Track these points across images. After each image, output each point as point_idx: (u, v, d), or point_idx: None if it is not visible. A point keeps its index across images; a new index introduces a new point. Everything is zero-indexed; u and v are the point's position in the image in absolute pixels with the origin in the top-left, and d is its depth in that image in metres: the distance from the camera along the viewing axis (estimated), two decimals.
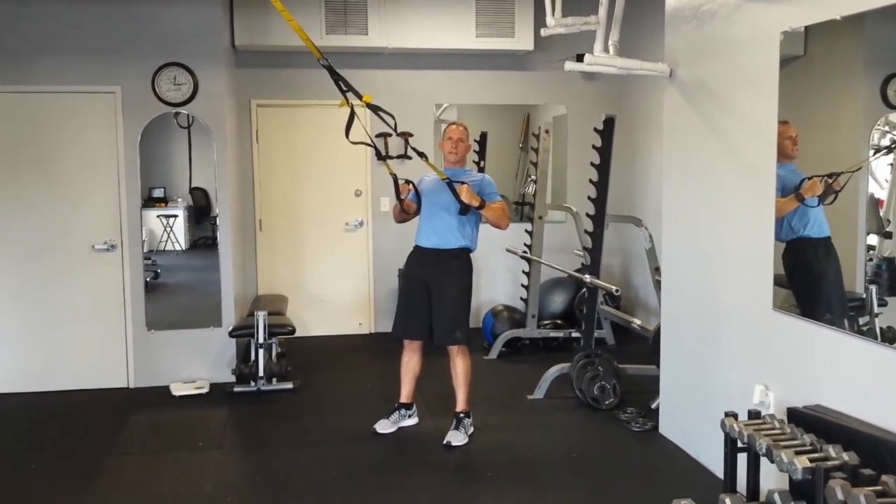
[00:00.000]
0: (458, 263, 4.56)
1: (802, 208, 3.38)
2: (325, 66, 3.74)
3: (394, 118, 3.97)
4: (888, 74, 2.95)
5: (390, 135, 6.94)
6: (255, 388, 5.42)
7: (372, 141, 4.23)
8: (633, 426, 4.70)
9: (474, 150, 7.28)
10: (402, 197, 4.53)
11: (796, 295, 3.50)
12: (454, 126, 4.69)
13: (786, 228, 3.47)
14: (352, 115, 3.92)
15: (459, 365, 4.57)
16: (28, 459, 4.35)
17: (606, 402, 5.00)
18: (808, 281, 3.54)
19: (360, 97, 3.86)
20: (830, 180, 3.21)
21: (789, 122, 3.41)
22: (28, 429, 4.90)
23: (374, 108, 3.95)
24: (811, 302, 3.43)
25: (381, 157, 4.49)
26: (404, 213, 4.67)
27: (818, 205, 3.31)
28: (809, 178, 3.32)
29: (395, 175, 4.45)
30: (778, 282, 3.51)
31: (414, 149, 4.34)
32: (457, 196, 4.31)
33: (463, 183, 4.36)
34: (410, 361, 4.70)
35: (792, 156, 3.43)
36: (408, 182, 4.53)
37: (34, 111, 5.41)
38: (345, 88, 3.83)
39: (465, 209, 4.38)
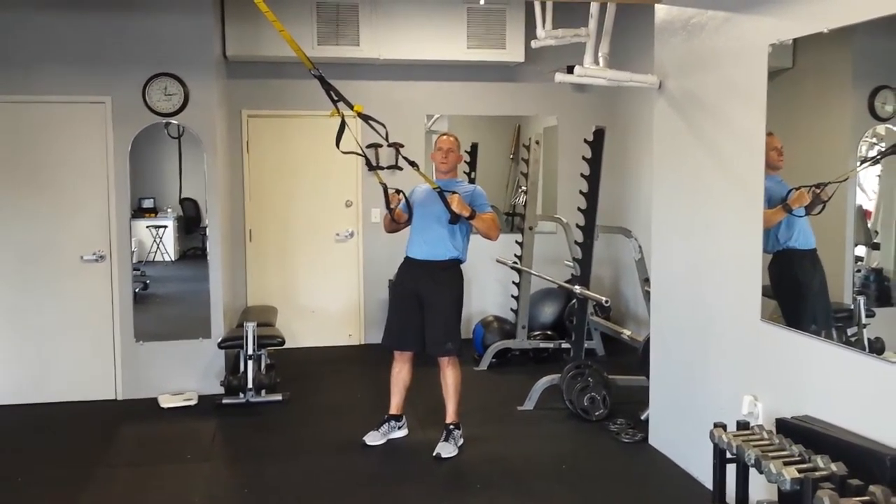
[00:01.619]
0: (449, 275, 4.56)
1: (788, 219, 3.40)
2: (317, 77, 3.75)
3: (385, 128, 3.98)
4: (875, 87, 2.97)
5: (381, 145, 6.95)
6: (243, 400, 5.39)
7: (362, 150, 4.23)
8: (623, 437, 4.69)
9: (465, 161, 7.30)
10: (392, 206, 4.53)
11: (782, 306, 3.51)
12: (445, 137, 4.71)
13: (772, 240, 3.48)
14: (342, 124, 3.93)
15: (450, 376, 4.56)
16: (15, 472, 4.31)
17: (596, 413, 4.99)
18: (794, 292, 3.55)
19: (351, 107, 3.87)
20: (818, 190, 3.23)
21: (774, 134, 3.44)
22: (15, 441, 4.86)
23: (366, 118, 3.96)
24: (797, 313, 3.44)
25: (372, 166, 4.49)
26: (395, 223, 4.67)
27: (805, 215, 3.33)
28: (797, 189, 3.34)
29: (385, 184, 4.45)
30: (764, 293, 3.53)
31: (405, 158, 4.35)
32: (447, 206, 4.32)
33: (454, 193, 4.37)
34: (401, 373, 4.69)
35: (777, 167, 3.46)
36: (398, 191, 4.54)
37: (23, 120, 5.39)
38: (336, 98, 3.84)
39: (455, 219, 4.39)
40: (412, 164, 4.30)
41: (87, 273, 5.51)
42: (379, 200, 4.49)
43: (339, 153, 4.03)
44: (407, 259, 4.65)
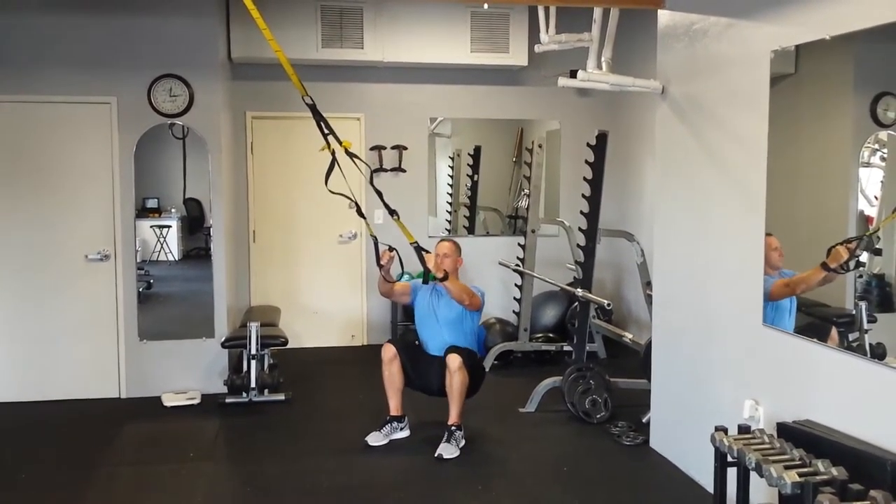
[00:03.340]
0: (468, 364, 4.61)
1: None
2: (309, 105, 3.67)
3: (369, 168, 3.93)
4: (878, 93, 2.99)
5: (385, 147, 6.98)
6: (246, 400, 5.41)
7: (352, 195, 4.00)
8: (624, 440, 4.71)
9: (468, 165, 7.33)
10: (383, 263, 4.51)
11: None
12: (442, 242, 4.87)
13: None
14: (333, 162, 3.80)
15: (456, 379, 4.55)
16: (18, 470, 4.33)
17: (598, 416, 5.01)
18: None
19: (339, 142, 3.76)
20: (850, 246, 3.13)
21: (773, 234, 3.48)
22: (19, 439, 4.88)
23: (352, 156, 3.82)
24: None
25: (361, 213, 4.22)
26: (388, 284, 4.74)
27: (846, 272, 3.20)
28: (834, 246, 3.21)
29: (375, 238, 4.35)
30: None
31: (386, 206, 4.04)
32: (422, 262, 4.30)
33: (428, 251, 4.40)
34: (392, 376, 4.72)
35: (777, 266, 3.48)
36: (390, 248, 4.48)
37: (30, 121, 5.42)
38: (326, 132, 3.72)
39: (426, 278, 4.44)
40: (391, 212, 4.10)
41: (91, 272, 5.53)
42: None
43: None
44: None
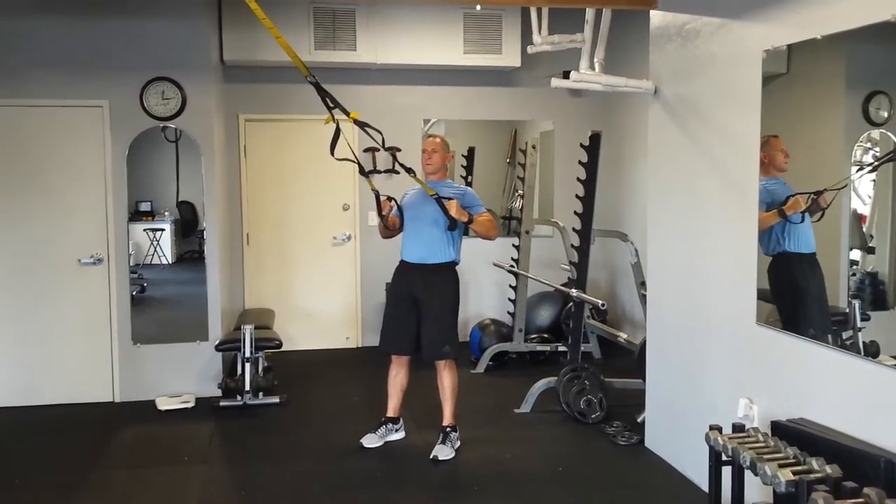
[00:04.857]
0: (444, 277, 4.58)
1: (788, 223, 3.42)
2: (313, 83, 3.74)
3: (381, 134, 4.00)
4: (869, 92, 3.00)
5: (378, 150, 6.98)
6: (241, 403, 5.39)
7: (356, 157, 4.22)
8: (619, 440, 4.71)
9: (462, 166, 7.33)
10: (384, 213, 4.55)
11: (779, 309, 3.53)
12: (429, 138, 4.79)
13: (773, 242, 3.50)
14: (337, 131, 3.92)
15: (446, 379, 4.57)
16: (11, 474, 4.31)
17: (593, 416, 5.01)
18: (791, 295, 3.57)
19: (347, 114, 3.86)
20: (815, 197, 3.24)
21: (779, 137, 3.47)
22: (12, 443, 4.86)
23: (362, 125, 3.96)
24: (794, 316, 3.46)
25: (364, 172, 4.48)
26: (388, 230, 4.70)
27: (802, 221, 3.34)
28: (793, 196, 3.36)
29: (376, 191, 4.46)
30: (762, 296, 3.55)
31: (402, 164, 4.37)
32: (446, 212, 4.34)
33: (451, 199, 4.39)
34: (398, 376, 4.71)
35: (783, 169, 3.47)
36: (389, 198, 4.57)
37: (21, 124, 5.40)
38: (331, 105, 3.83)
39: (453, 225, 4.41)
40: (408, 170, 4.32)
41: (84, 276, 5.51)
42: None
43: (336, 157, 4.02)
44: (402, 262, 4.67)
